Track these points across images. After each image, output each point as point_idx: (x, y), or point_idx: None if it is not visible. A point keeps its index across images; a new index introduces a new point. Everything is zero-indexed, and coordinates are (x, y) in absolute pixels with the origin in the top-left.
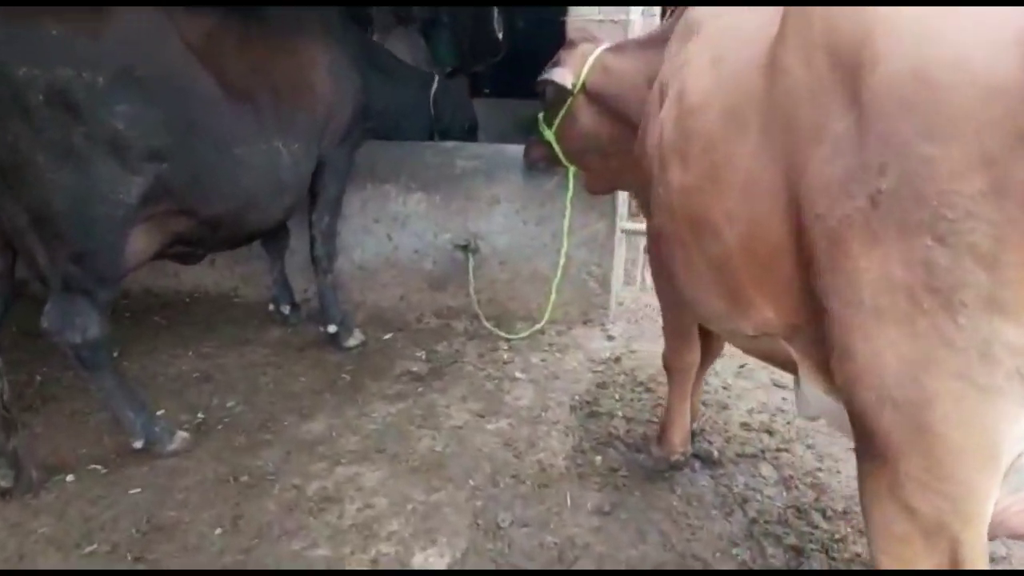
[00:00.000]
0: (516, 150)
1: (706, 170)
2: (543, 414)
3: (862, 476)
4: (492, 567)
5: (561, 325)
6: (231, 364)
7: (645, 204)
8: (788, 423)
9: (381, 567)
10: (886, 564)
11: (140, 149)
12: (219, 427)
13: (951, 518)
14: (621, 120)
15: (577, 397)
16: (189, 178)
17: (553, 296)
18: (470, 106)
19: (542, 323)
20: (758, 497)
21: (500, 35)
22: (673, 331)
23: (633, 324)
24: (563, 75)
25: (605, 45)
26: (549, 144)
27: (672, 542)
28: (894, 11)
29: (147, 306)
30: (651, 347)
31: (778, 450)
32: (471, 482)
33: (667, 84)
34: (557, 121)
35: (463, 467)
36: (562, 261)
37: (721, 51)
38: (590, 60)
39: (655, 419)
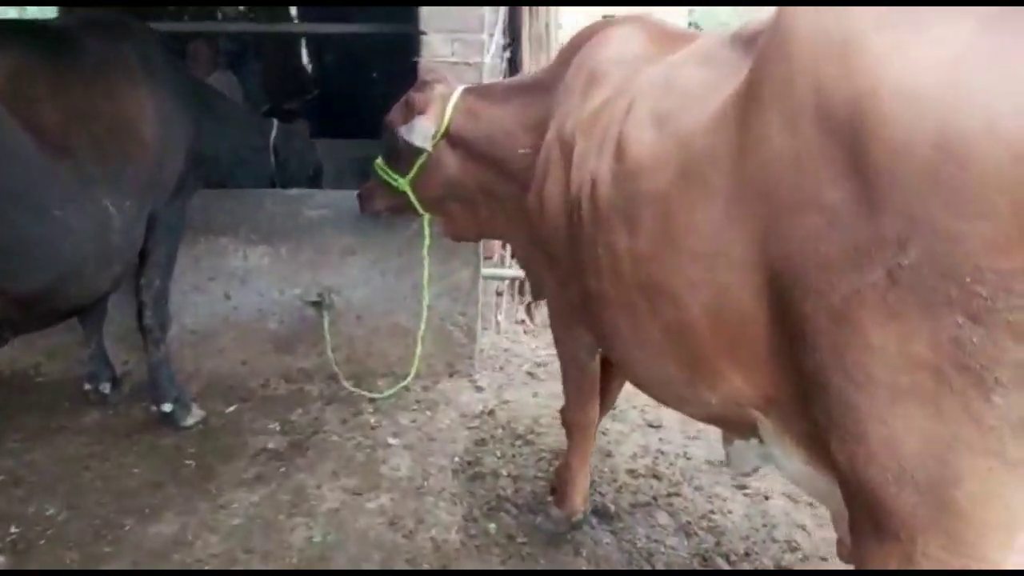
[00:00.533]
0: None
1: (662, 237)
2: (425, 483)
3: (866, 552)
4: None
5: (426, 380)
6: (43, 460)
7: (528, 251)
8: (671, 465)
9: None
10: None
11: None
12: (41, 542)
13: None
14: (491, 166)
15: (457, 459)
16: None
17: (419, 349)
18: (314, 150)
19: (409, 379)
20: (661, 549)
21: (310, 72)
22: (578, 387)
23: (499, 372)
24: (425, 128)
25: (462, 87)
26: (397, 192)
27: None
28: (899, 65)
29: None
30: (522, 396)
31: (669, 495)
32: None
33: (573, 135)
34: (415, 169)
35: (349, 557)
36: (424, 313)
37: (663, 107)
38: (451, 103)
39: (541, 475)
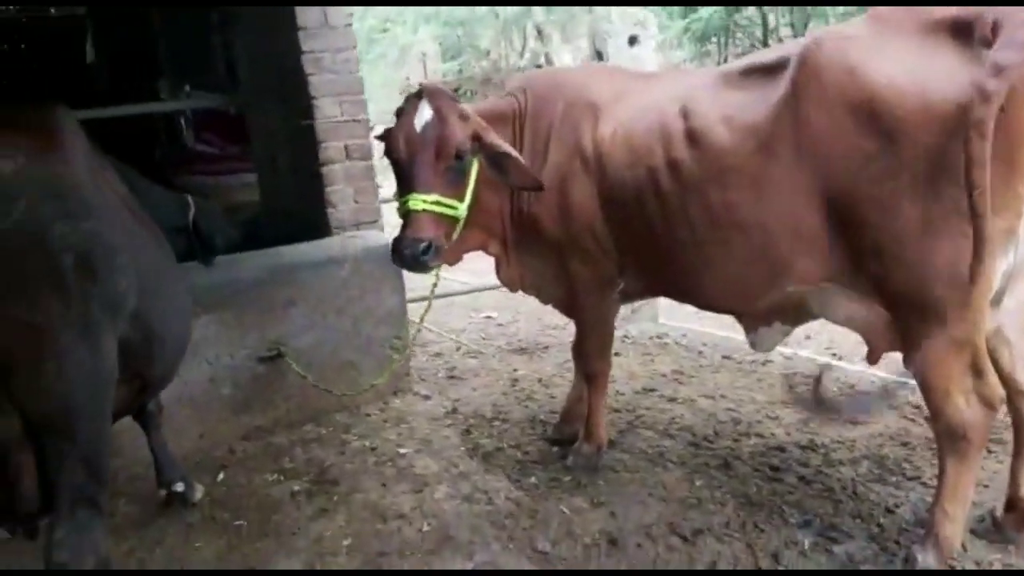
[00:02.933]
0: (293, 251)
1: (750, 189)
2: (458, 468)
3: (915, 335)
4: None
5: (378, 402)
6: None
7: (529, 254)
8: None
9: None
10: (937, 381)
11: (126, 310)
12: None
13: (974, 334)
14: (489, 185)
15: (463, 448)
16: (144, 336)
17: (394, 365)
18: (229, 224)
19: (381, 380)
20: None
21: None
22: (604, 342)
23: (425, 383)
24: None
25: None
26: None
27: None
28: (879, 73)
29: None
30: (463, 393)
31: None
32: None
33: (596, 150)
34: (470, 192)
35: (472, 529)
36: (413, 332)
37: (721, 113)
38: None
39: (534, 438)
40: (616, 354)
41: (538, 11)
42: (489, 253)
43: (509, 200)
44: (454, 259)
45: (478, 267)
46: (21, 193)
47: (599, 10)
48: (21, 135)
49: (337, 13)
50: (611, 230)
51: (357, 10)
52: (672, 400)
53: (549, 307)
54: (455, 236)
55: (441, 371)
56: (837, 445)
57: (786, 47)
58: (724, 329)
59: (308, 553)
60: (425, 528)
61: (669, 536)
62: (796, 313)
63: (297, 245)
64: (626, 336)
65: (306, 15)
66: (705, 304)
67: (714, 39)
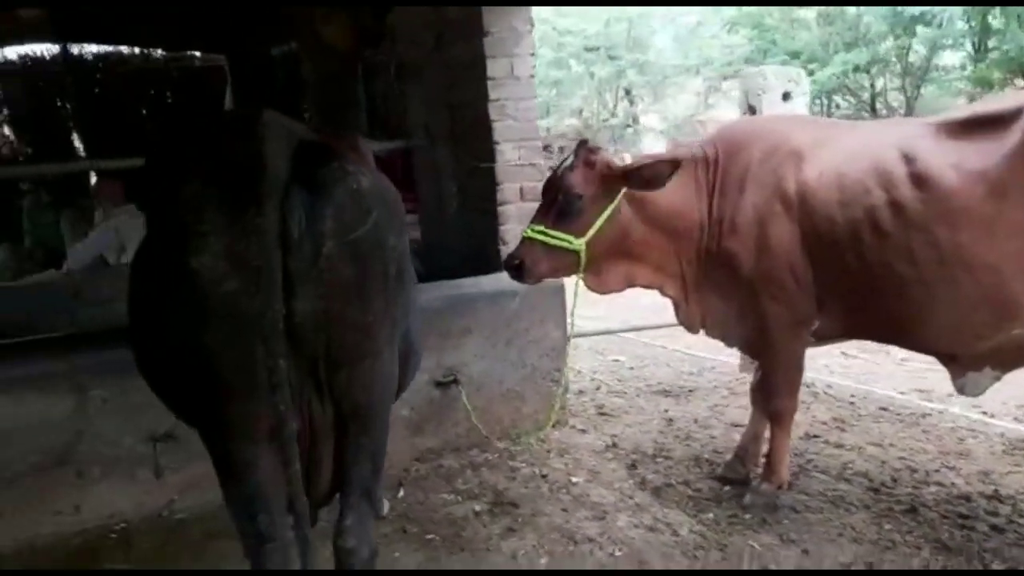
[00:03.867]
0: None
1: (982, 230)
2: (633, 499)
3: None
4: None
5: (537, 433)
6: None
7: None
8: None
9: None
10: None
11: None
12: None
13: None
14: (658, 227)
15: (630, 481)
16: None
17: (557, 402)
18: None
19: (551, 423)
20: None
21: None
22: (793, 382)
23: (580, 417)
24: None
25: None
26: (566, 253)
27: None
28: None
29: None
30: (616, 429)
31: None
32: None
33: (801, 193)
34: (594, 228)
35: (667, 545)
36: (566, 368)
37: (947, 160)
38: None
39: (699, 475)
40: None
41: (631, 72)
42: (665, 294)
43: (695, 241)
44: (603, 289)
45: (601, 313)
46: (373, 206)
47: (751, 68)
48: (358, 156)
49: (522, 65)
50: (814, 269)
51: None
52: (840, 447)
53: (676, 353)
54: (581, 265)
55: (590, 408)
56: None
57: (1006, 100)
58: (866, 383)
59: (511, 566)
60: (617, 554)
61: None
62: (1014, 357)
63: (476, 278)
64: None
65: (496, 66)
66: (919, 345)
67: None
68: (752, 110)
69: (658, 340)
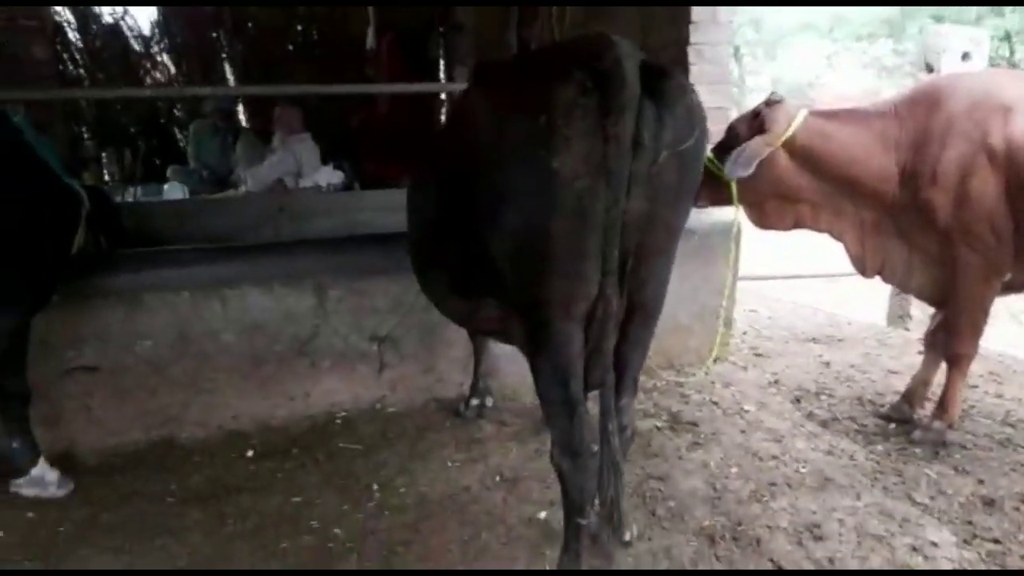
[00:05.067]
0: None
1: None
2: (803, 428)
3: None
4: None
5: (700, 366)
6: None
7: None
8: None
9: None
10: None
11: None
12: None
13: None
14: (839, 177)
15: (799, 413)
16: None
17: (718, 337)
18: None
19: (713, 356)
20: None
21: None
22: (978, 329)
23: (736, 355)
24: (747, 160)
25: (806, 108)
26: (721, 183)
27: None
28: None
29: None
30: (776, 366)
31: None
32: None
33: (1008, 144)
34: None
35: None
36: (724, 302)
37: None
38: (798, 120)
39: (866, 411)
40: (920, 352)
41: (746, 30)
42: (838, 239)
43: (882, 192)
44: (767, 226)
45: None
46: (698, 122)
47: (932, 26)
48: None
49: (724, 11)
50: (1016, 221)
51: None
52: (999, 396)
53: (806, 308)
54: (733, 198)
55: (744, 349)
56: None
57: None
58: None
59: (702, 474)
60: (802, 470)
61: None
62: None
63: None
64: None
65: (698, 11)
66: None
67: None
68: (930, 69)
69: (785, 294)
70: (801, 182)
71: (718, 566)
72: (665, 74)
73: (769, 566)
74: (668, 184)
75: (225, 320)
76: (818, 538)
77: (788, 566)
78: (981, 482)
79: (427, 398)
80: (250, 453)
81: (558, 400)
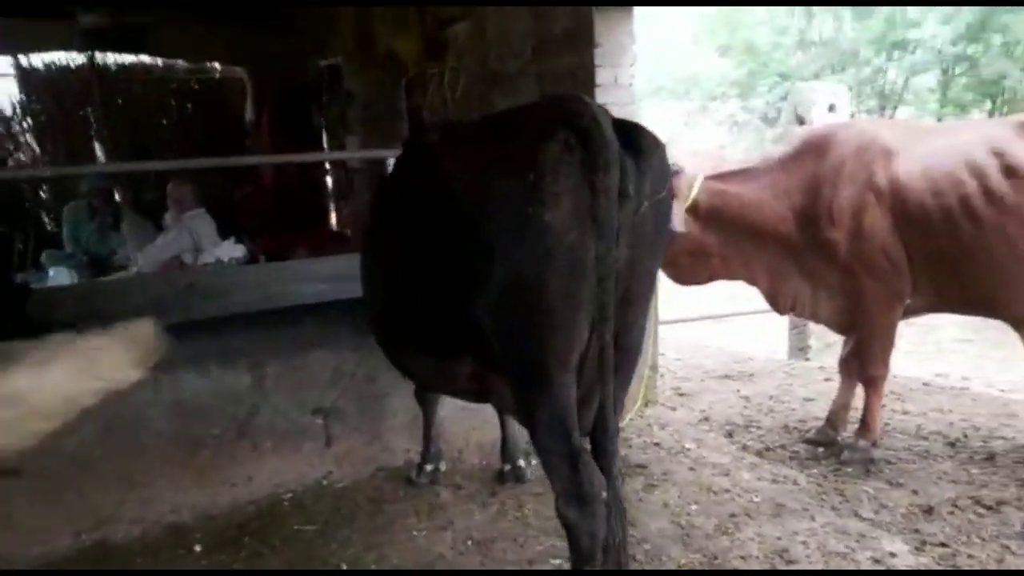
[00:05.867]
0: None
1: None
2: (744, 459)
3: None
4: None
5: (634, 410)
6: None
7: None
8: None
9: None
10: None
11: None
12: None
13: None
14: (740, 228)
15: (735, 446)
16: None
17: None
18: None
19: (636, 407)
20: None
21: None
22: (887, 350)
23: (661, 397)
24: (679, 216)
25: (701, 174)
26: None
27: None
28: None
29: None
30: (702, 403)
31: None
32: None
33: (892, 185)
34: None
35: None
36: (650, 347)
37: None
38: (696, 186)
39: (787, 442)
40: (827, 379)
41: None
42: (752, 284)
43: (784, 236)
44: (685, 282)
45: None
46: (668, 173)
47: (799, 83)
48: None
49: (624, 74)
50: (907, 251)
51: None
52: (906, 413)
53: (708, 347)
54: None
55: (667, 390)
56: None
57: None
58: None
59: (665, 514)
60: (755, 499)
61: (975, 506)
62: None
63: None
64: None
65: (602, 75)
66: (1003, 311)
67: None
68: (801, 121)
69: (682, 334)
70: (708, 239)
71: None
72: (638, 129)
73: None
74: (648, 232)
75: (157, 405)
76: (789, 561)
77: None
78: (915, 492)
79: (374, 469)
80: (198, 548)
81: (560, 451)
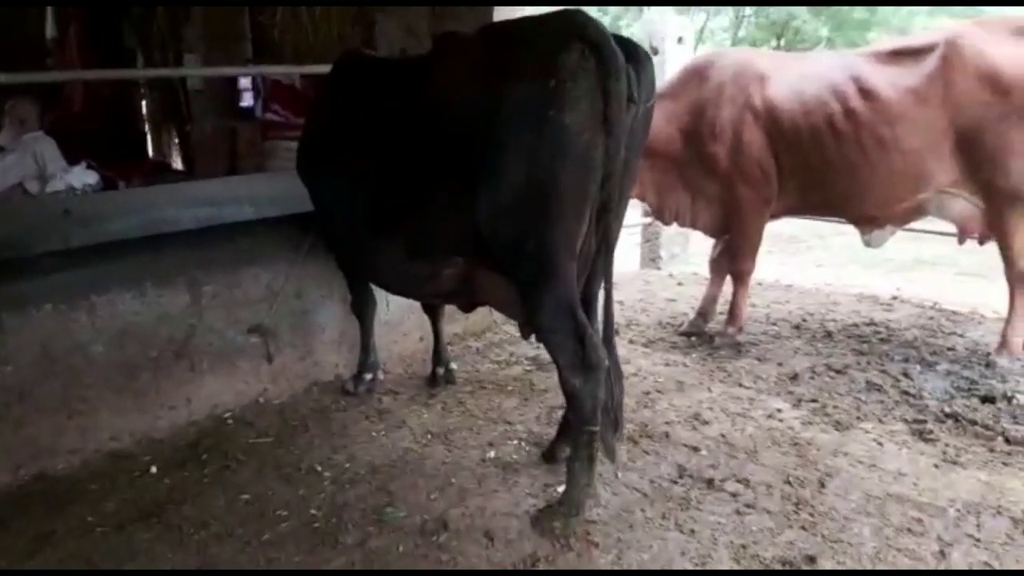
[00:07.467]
0: None
1: (911, 125)
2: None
3: (1007, 217)
4: None
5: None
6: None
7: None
8: None
9: None
10: (1012, 241)
11: None
12: None
13: None
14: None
15: (633, 342)
16: None
17: None
18: None
19: None
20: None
21: None
22: (754, 248)
23: None
24: None
25: None
26: None
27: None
28: (1012, 54)
29: None
30: None
31: None
32: None
33: (767, 105)
34: None
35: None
36: None
37: (884, 79)
38: None
39: (665, 331)
40: (679, 284)
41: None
42: (642, 200)
43: (672, 154)
44: None
45: None
46: (655, 81)
47: (654, 13)
48: None
49: None
50: (777, 163)
51: None
52: (754, 306)
53: None
54: None
55: None
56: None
57: (924, 38)
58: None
59: None
60: (659, 380)
61: (828, 371)
62: (910, 215)
63: None
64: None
65: None
66: (853, 212)
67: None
68: (655, 51)
69: None
70: None
71: (649, 458)
72: (632, 43)
73: (683, 450)
74: (639, 134)
75: (93, 331)
76: (704, 422)
77: (695, 446)
78: (780, 364)
79: (308, 384)
80: (153, 469)
81: (567, 329)
